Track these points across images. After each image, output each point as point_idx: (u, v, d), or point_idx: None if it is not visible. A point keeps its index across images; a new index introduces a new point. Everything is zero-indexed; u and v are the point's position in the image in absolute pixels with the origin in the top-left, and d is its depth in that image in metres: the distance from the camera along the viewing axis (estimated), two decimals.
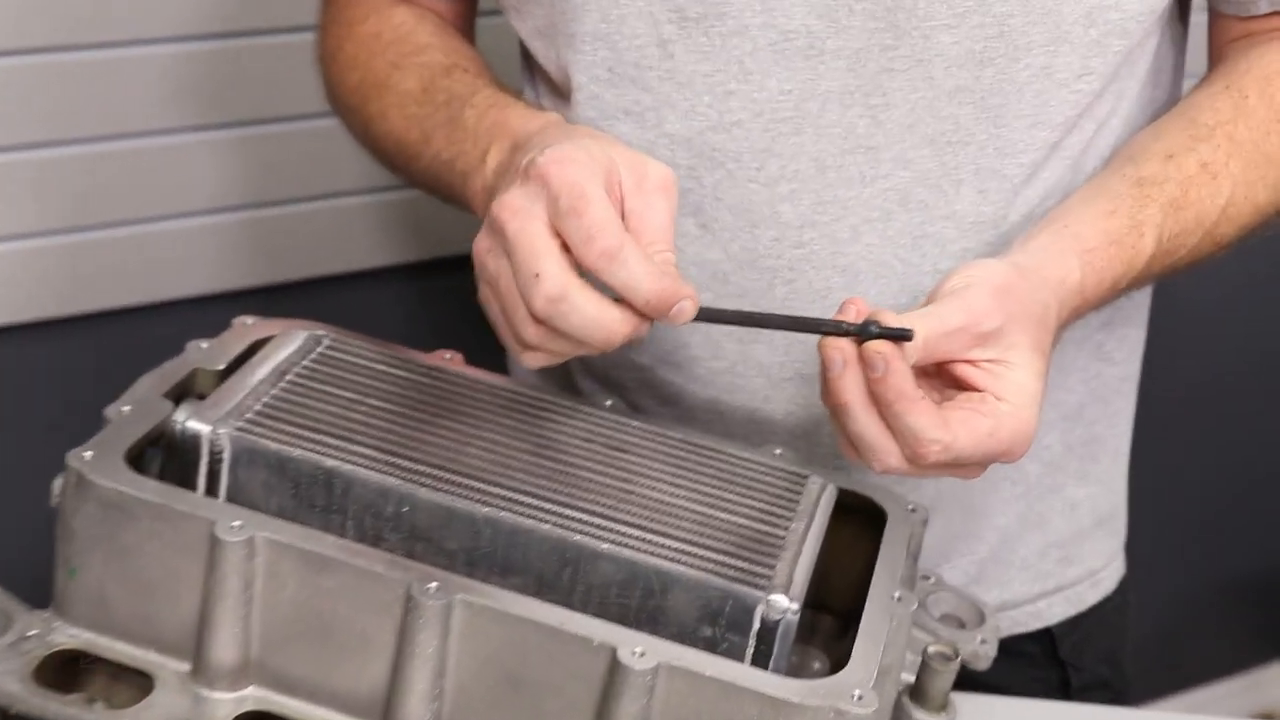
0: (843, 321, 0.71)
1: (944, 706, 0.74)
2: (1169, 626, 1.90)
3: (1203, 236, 0.80)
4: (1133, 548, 1.04)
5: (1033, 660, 0.97)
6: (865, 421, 0.70)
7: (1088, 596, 0.98)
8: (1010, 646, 0.79)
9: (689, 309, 0.67)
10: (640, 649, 0.65)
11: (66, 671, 0.71)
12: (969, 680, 0.76)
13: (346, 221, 1.29)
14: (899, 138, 0.81)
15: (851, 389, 0.69)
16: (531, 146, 0.70)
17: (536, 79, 0.90)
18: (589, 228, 0.65)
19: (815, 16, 0.79)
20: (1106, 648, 1.00)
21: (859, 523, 0.80)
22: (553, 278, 0.65)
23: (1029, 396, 0.71)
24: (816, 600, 0.79)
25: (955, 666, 0.73)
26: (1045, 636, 0.97)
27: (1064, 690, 0.98)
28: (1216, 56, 0.88)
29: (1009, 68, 0.80)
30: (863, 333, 0.70)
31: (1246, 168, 0.80)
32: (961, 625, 0.79)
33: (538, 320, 0.67)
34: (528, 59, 0.90)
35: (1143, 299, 0.95)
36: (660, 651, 0.65)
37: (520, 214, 0.66)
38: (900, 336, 0.69)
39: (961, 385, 0.73)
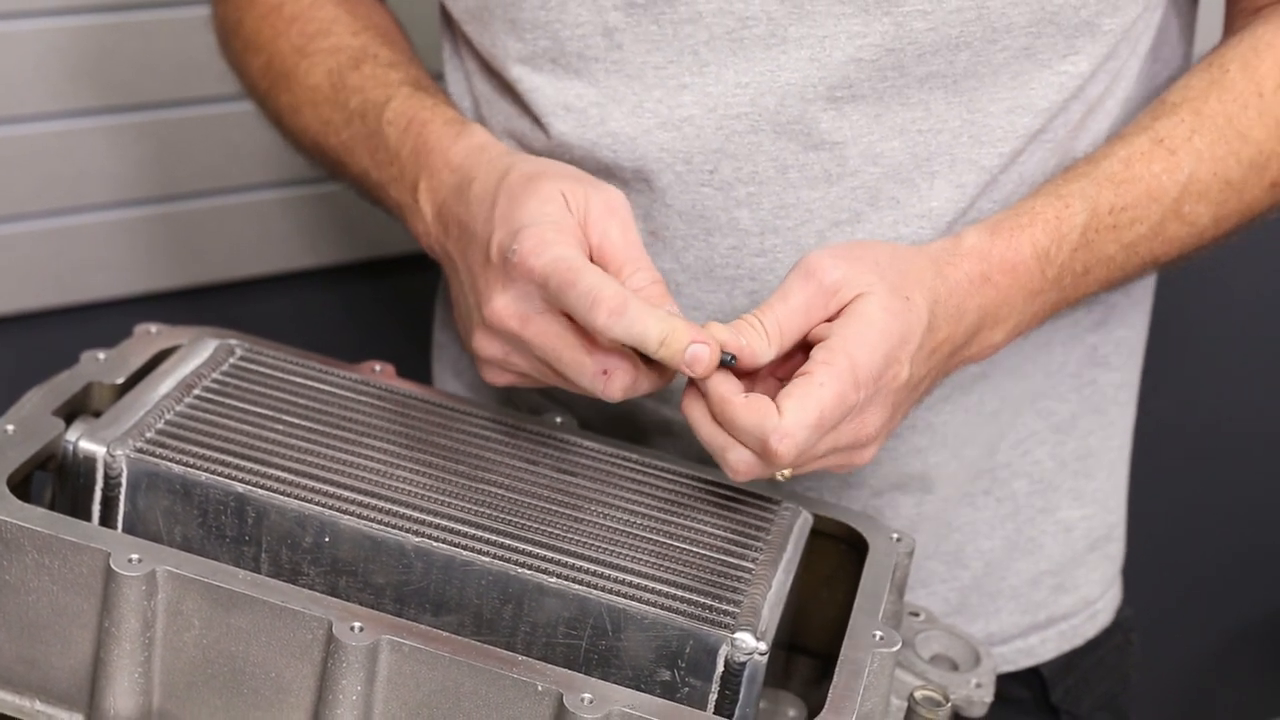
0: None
1: None
2: (1176, 671, 1.91)
3: (1165, 214, 0.81)
4: (1134, 579, 1.04)
5: (1022, 707, 0.96)
6: (708, 431, 0.72)
7: (1084, 630, 0.98)
8: (997, 690, 0.79)
9: (704, 355, 0.70)
10: (589, 696, 0.64)
11: None
12: None
13: (265, 219, 1.28)
14: (865, 130, 0.81)
15: (690, 403, 0.72)
16: (476, 205, 0.76)
17: (464, 56, 0.89)
18: (586, 295, 0.69)
19: (776, 2, 0.79)
20: (1106, 692, 1.00)
21: (839, 553, 0.79)
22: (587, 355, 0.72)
23: (866, 326, 0.71)
24: (792, 640, 0.79)
25: (946, 713, 0.73)
26: (1035, 679, 0.97)
27: None
28: (1226, 30, 0.88)
29: (984, 50, 0.80)
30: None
31: (1214, 143, 0.81)
32: (954, 667, 0.79)
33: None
34: (454, 33, 0.90)
35: (1141, 296, 0.95)
36: (612, 698, 0.65)
37: (523, 319, 0.73)
38: (726, 364, 0.71)
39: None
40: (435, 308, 1.01)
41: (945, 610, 0.93)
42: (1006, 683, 0.94)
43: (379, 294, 1.34)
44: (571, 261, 0.70)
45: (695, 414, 0.72)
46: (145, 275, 1.24)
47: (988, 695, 0.77)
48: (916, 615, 0.82)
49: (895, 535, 0.78)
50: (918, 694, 0.73)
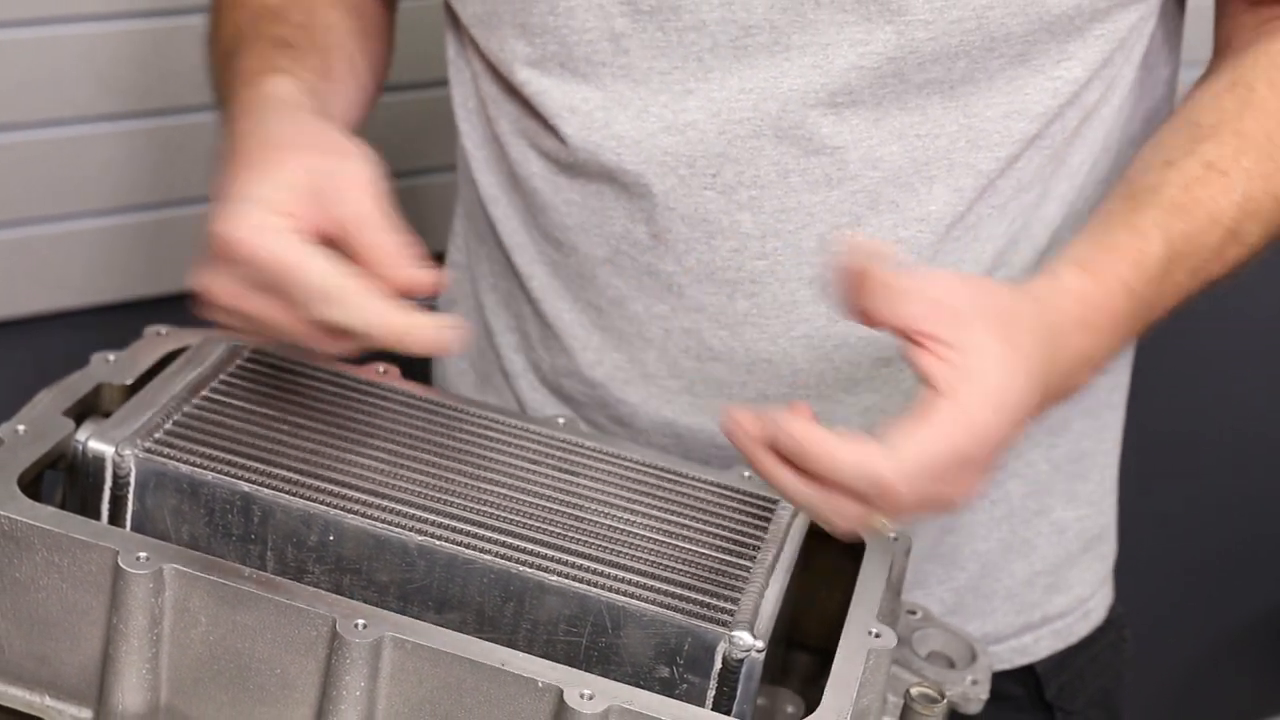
0: None
1: None
2: (1169, 668, 1.91)
3: (1224, 236, 0.80)
4: (1126, 578, 1.04)
5: (1017, 704, 0.97)
6: (798, 488, 0.67)
7: (1077, 629, 0.98)
8: (992, 687, 0.79)
9: (453, 336, 0.67)
10: (589, 691, 0.65)
11: None
12: None
13: None
14: (865, 134, 0.81)
15: (766, 459, 0.67)
16: (229, 164, 0.73)
17: (470, 57, 0.90)
18: (301, 288, 0.67)
19: (779, 10, 0.79)
20: (1099, 689, 1.00)
21: (836, 552, 0.79)
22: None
23: (989, 390, 0.67)
24: (790, 638, 0.79)
25: (942, 710, 0.73)
26: (1030, 676, 0.97)
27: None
28: (1223, 45, 0.88)
29: (982, 58, 0.80)
30: None
31: (1260, 160, 0.81)
32: (951, 664, 0.79)
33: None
34: (461, 35, 0.90)
35: None
36: (611, 693, 0.65)
37: (231, 296, 0.69)
38: None
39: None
40: (435, 311, 1.02)
41: (941, 611, 0.93)
42: (1001, 680, 0.94)
43: None
44: (275, 253, 0.67)
45: (770, 468, 0.67)
46: (155, 279, 1.25)
47: (984, 692, 0.78)
48: (914, 613, 0.83)
49: (892, 534, 0.79)
50: (914, 690, 0.73)
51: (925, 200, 0.83)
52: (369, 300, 0.67)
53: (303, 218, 0.69)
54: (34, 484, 0.73)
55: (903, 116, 0.81)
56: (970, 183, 0.83)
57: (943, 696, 0.73)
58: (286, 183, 0.70)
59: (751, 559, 0.74)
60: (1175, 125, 0.84)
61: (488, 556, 0.70)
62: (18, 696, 0.70)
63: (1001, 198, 0.84)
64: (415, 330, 0.67)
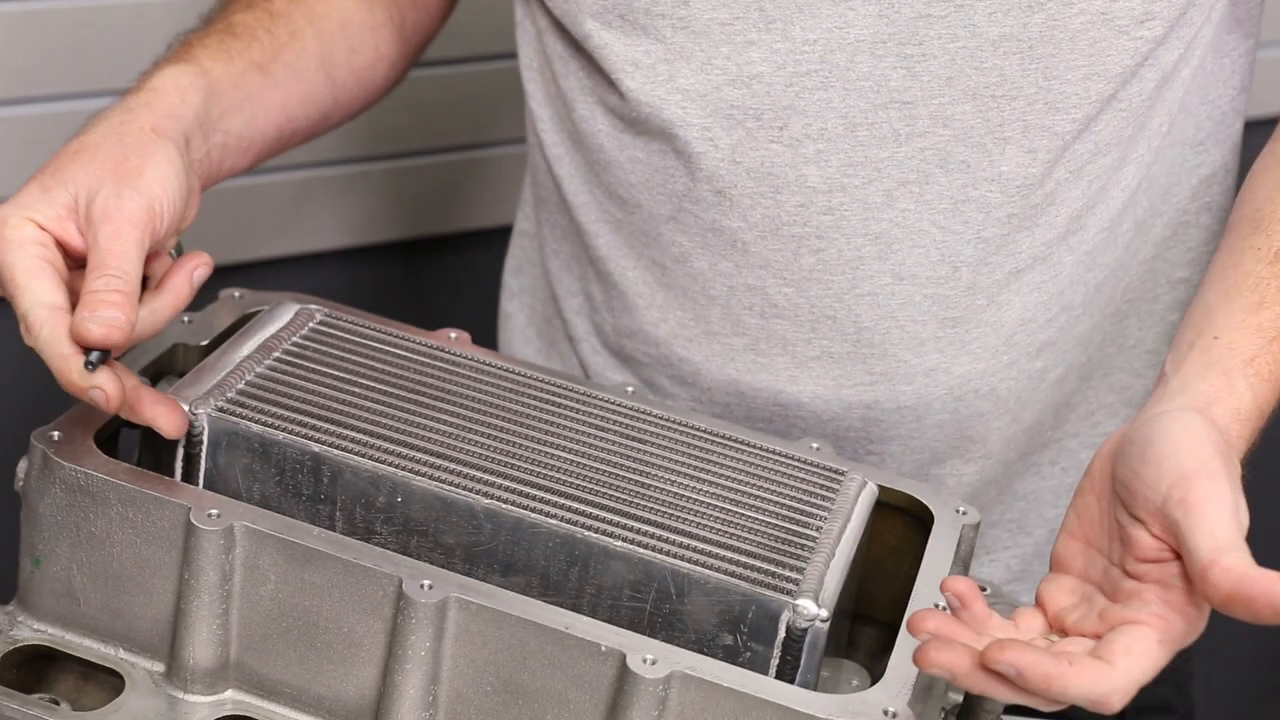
0: None
1: None
2: (1246, 648, 1.88)
3: None
4: None
5: None
6: (1019, 698, 0.63)
7: None
8: None
9: (99, 399, 0.67)
10: (652, 656, 0.65)
11: (35, 669, 0.71)
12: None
13: (346, 193, 1.29)
14: (937, 91, 0.80)
15: (979, 679, 0.62)
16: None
17: (535, 14, 0.89)
18: (14, 304, 0.68)
19: None
20: (1168, 667, 0.98)
21: (904, 525, 0.79)
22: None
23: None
24: (858, 611, 0.79)
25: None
26: None
27: (1118, 712, 0.97)
28: None
29: (1061, 12, 0.79)
30: None
31: None
32: None
33: None
34: None
35: None
36: (674, 659, 0.65)
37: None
38: None
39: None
40: (503, 279, 1.02)
41: (1007, 577, 0.92)
42: None
43: (448, 268, 1.35)
44: (8, 261, 0.69)
45: (995, 692, 0.62)
46: (234, 246, 1.26)
47: None
48: (983, 589, 0.82)
49: (961, 509, 0.78)
50: None
51: (998, 161, 0.81)
52: (55, 343, 0.67)
53: (61, 236, 0.70)
54: (111, 441, 0.74)
55: (977, 76, 0.80)
56: (1046, 144, 0.81)
57: None
58: (59, 199, 0.71)
59: (818, 529, 0.73)
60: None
61: (553, 521, 0.70)
62: (93, 649, 0.71)
63: (1078, 160, 0.83)
64: (73, 388, 0.67)
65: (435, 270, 1.35)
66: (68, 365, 0.67)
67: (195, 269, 0.72)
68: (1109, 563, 0.67)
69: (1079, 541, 0.69)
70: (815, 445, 0.80)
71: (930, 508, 0.78)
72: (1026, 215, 0.83)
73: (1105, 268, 0.87)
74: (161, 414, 0.70)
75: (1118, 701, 0.62)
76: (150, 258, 0.71)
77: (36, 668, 0.72)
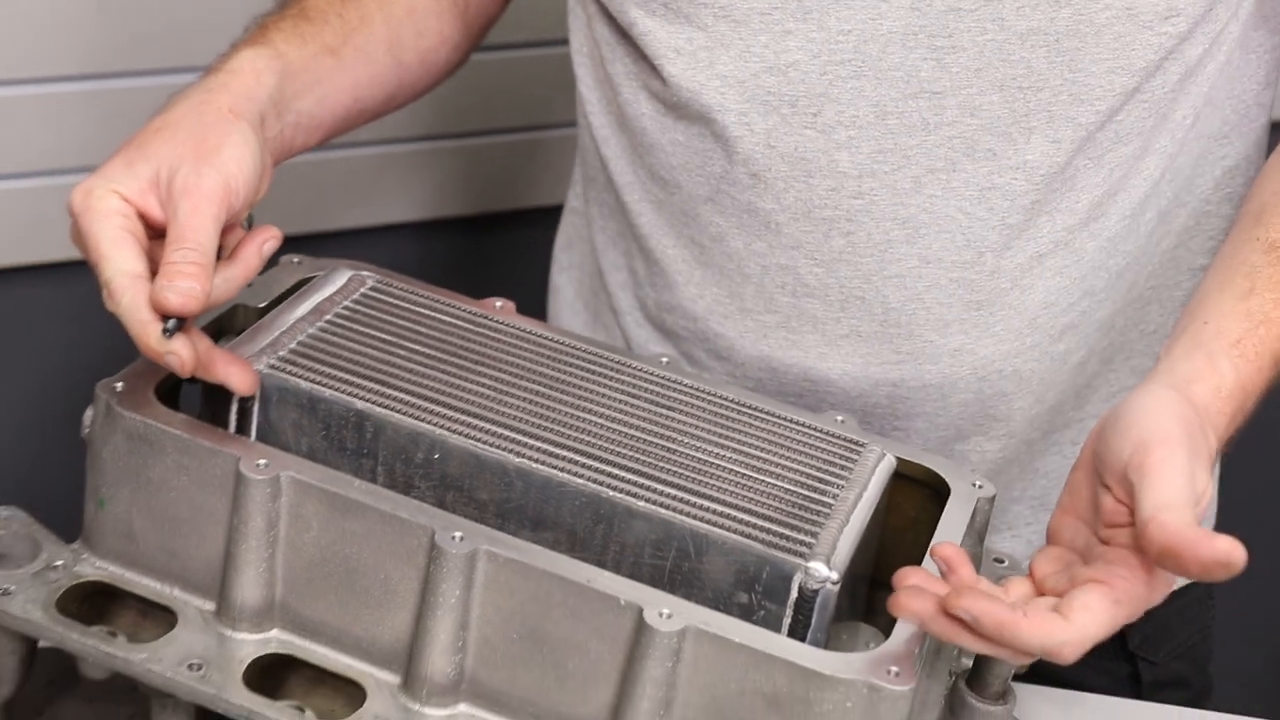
0: None
1: (1002, 695, 0.76)
2: (1262, 629, 1.86)
3: None
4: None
5: (1099, 651, 0.96)
6: (981, 646, 0.66)
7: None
8: None
9: (175, 363, 0.70)
10: (668, 610, 0.68)
11: (96, 605, 0.76)
12: (1031, 669, 0.78)
13: (403, 169, 1.32)
14: (966, 82, 0.82)
15: (943, 624, 0.66)
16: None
17: (586, 1, 0.92)
18: (97, 272, 0.72)
19: None
20: (1185, 643, 1.00)
21: (923, 497, 0.81)
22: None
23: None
24: (878, 578, 0.81)
25: None
26: None
27: (1134, 685, 0.99)
28: None
29: (1087, 7, 0.80)
30: None
31: None
32: None
33: None
34: None
35: None
36: (689, 614, 0.68)
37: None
38: None
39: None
40: (553, 254, 1.05)
41: (1028, 552, 0.93)
42: None
43: (506, 243, 1.37)
44: (91, 236, 0.72)
45: (957, 638, 0.66)
46: (298, 218, 1.29)
47: None
48: (1001, 561, 0.84)
49: (977, 482, 0.80)
50: None
51: (1023, 150, 0.83)
52: (135, 310, 0.70)
53: (143, 209, 0.73)
54: (172, 394, 0.78)
55: (1005, 68, 0.82)
56: (1069, 134, 0.83)
57: None
58: (142, 173, 0.74)
59: (834, 497, 0.75)
60: None
61: (580, 480, 0.73)
62: (150, 587, 0.75)
63: (1100, 149, 0.85)
64: (150, 352, 0.71)
65: (494, 244, 1.37)
66: (146, 331, 0.70)
67: (265, 242, 0.76)
68: (1090, 533, 0.70)
69: (1070, 516, 0.71)
70: (840, 419, 0.82)
71: (946, 479, 0.80)
72: (1048, 201, 0.85)
73: (1128, 255, 0.88)
74: (234, 373, 0.74)
75: (1070, 654, 0.65)
76: (225, 230, 0.74)
77: (98, 603, 0.76)
